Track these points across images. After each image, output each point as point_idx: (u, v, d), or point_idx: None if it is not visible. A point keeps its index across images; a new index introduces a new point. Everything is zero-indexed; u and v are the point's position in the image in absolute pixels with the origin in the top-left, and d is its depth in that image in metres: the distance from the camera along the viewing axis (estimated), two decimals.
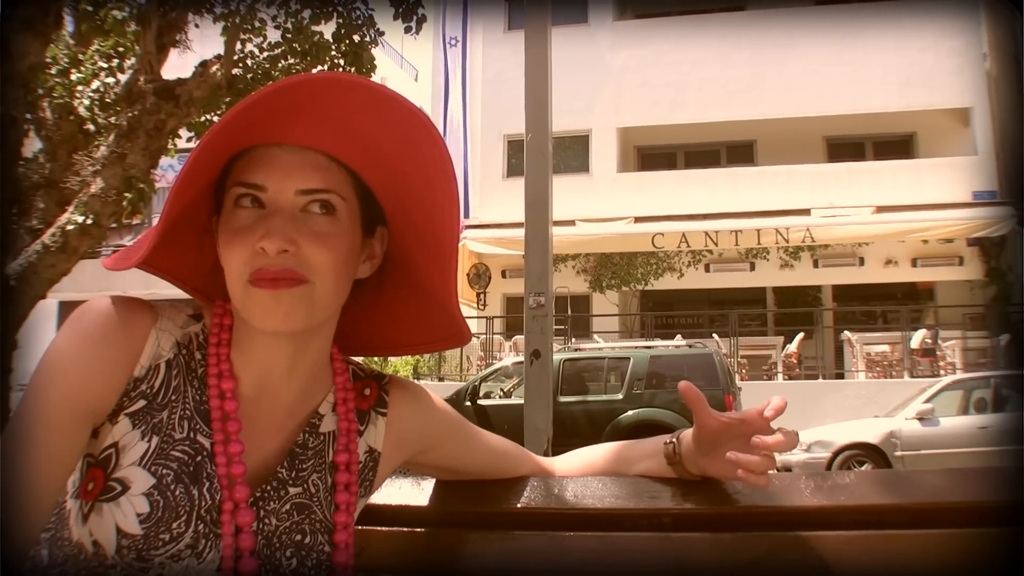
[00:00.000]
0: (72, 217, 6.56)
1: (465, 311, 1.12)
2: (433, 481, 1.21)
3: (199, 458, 0.93)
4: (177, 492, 0.91)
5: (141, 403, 0.93)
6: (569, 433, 9.64)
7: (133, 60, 7.91)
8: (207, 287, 1.06)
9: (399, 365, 14.65)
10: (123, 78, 7.88)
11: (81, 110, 7.90)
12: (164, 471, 0.91)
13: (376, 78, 9.08)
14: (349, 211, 0.97)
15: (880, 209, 16.72)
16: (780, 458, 11.26)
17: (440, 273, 1.05)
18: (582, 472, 1.22)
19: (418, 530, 1.16)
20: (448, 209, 0.99)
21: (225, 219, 0.95)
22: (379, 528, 1.15)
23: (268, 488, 0.97)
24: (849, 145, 19.24)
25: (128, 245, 1.01)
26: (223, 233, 0.94)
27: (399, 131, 0.94)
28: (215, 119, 8.84)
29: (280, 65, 8.66)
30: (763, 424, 1.04)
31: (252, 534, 0.94)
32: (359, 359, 1.16)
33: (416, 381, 1.20)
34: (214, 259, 0.98)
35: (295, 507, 0.98)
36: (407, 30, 7.92)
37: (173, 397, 0.95)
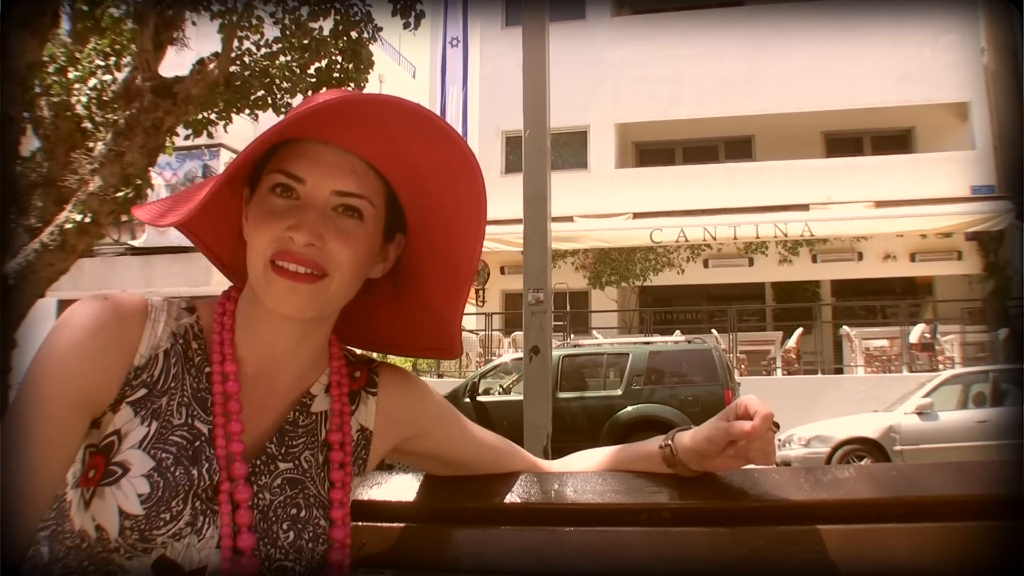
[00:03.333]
0: (70, 215, 6.56)
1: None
2: (430, 477, 1.21)
3: (197, 443, 0.96)
4: (177, 473, 0.93)
5: (142, 391, 0.96)
6: (568, 429, 9.66)
7: (130, 58, 7.90)
8: (230, 258, 1.11)
9: (398, 361, 14.66)
10: (120, 76, 7.87)
11: (79, 108, 7.88)
12: (163, 454, 0.93)
13: (374, 75, 9.10)
14: (375, 217, 1.01)
15: (878, 204, 16.71)
16: (779, 453, 11.27)
17: (450, 296, 1.10)
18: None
19: (415, 526, 1.17)
20: (473, 240, 1.05)
21: (259, 200, 0.99)
22: (376, 524, 1.15)
23: (259, 463, 1.00)
24: (847, 140, 19.25)
25: (163, 199, 1.04)
26: (254, 213, 0.99)
27: (441, 157, 0.99)
28: (213, 117, 8.91)
29: (278, 62, 8.65)
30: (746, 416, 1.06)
31: (249, 509, 0.96)
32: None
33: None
34: (238, 228, 1.03)
35: (287, 482, 1.01)
36: (405, 26, 7.91)
37: (172, 384, 0.97)
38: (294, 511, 1.00)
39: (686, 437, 1.10)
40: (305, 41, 8.35)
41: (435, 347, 1.17)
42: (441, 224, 1.06)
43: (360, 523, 1.08)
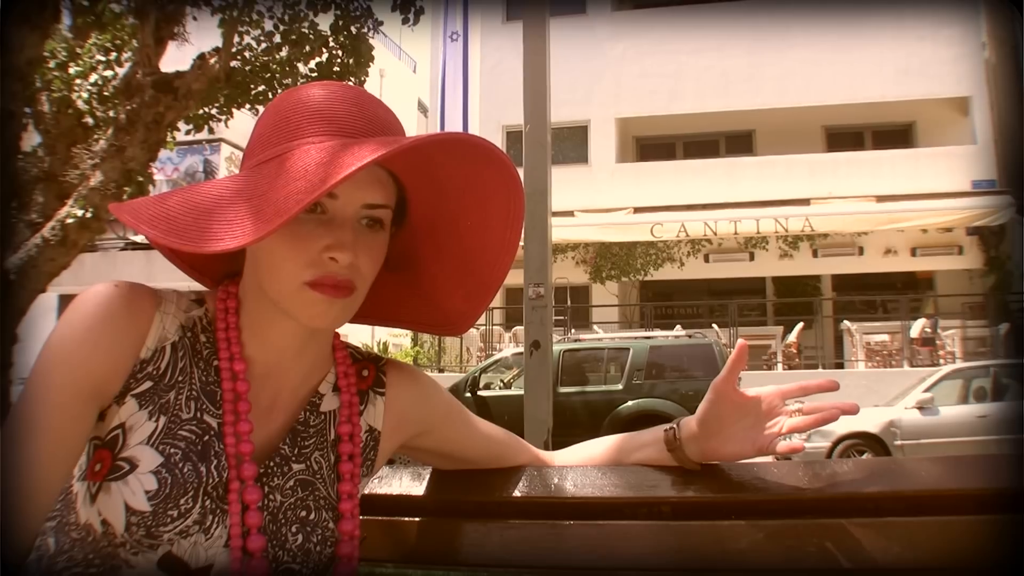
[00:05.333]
0: (71, 211, 6.56)
1: None
2: (432, 470, 1.22)
3: (206, 437, 0.95)
4: (185, 469, 0.92)
5: (148, 384, 0.94)
6: (569, 424, 9.67)
7: (131, 53, 7.90)
8: (203, 261, 1.10)
9: (399, 356, 14.68)
10: (121, 71, 7.87)
11: (79, 104, 7.88)
12: (172, 450, 0.92)
13: (374, 70, 9.09)
14: (389, 220, 1.01)
15: (879, 198, 16.70)
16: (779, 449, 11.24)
17: (470, 298, 1.10)
18: (581, 465, 1.22)
19: (418, 519, 1.17)
20: (504, 254, 1.06)
21: None
22: (379, 518, 1.15)
23: (272, 464, 0.99)
24: (848, 134, 19.22)
25: (155, 207, 0.93)
26: (280, 232, 0.90)
27: (476, 171, 0.99)
28: (214, 112, 8.91)
29: (278, 57, 8.65)
30: (777, 402, 1.16)
31: (259, 511, 0.96)
32: (357, 344, 1.17)
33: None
34: None
35: (299, 483, 1.01)
36: (404, 22, 7.89)
37: (180, 378, 0.96)
38: (303, 513, 1.00)
39: (692, 420, 1.13)
40: (303, 31, 8.35)
41: (431, 323, 1.17)
42: (461, 226, 1.06)
43: (362, 516, 1.08)
